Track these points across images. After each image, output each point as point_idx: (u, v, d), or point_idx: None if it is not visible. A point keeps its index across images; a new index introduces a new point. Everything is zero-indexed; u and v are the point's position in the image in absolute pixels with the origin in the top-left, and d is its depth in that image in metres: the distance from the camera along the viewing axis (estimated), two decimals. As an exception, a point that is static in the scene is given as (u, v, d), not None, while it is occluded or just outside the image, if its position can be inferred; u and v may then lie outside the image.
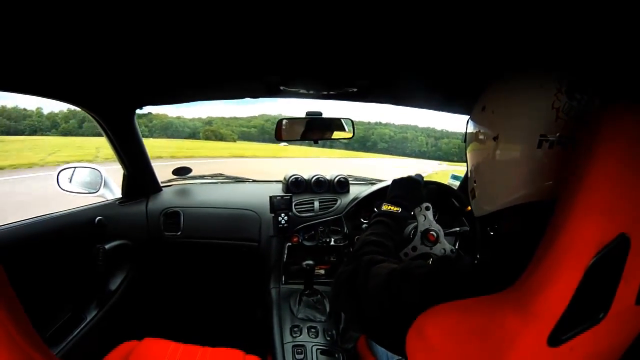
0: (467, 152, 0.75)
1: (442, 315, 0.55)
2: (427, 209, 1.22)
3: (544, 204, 0.51)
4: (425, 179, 1.22)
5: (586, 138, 0.44)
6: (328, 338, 1.31)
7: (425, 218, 1.21)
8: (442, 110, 1.57)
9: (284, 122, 1.50)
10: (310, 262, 1.41)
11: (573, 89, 0.55)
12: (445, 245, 1.20)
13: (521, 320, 0.46)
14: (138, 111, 1.54)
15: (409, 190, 1.10)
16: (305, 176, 1.79)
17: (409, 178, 1.14)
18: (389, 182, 1.62)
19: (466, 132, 0.76)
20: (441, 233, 1.21)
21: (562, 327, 0.44)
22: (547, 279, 0.44)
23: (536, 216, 0.54)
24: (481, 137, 0.68)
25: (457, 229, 1.37)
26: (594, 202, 0.42)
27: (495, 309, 0.49)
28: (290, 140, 1.51)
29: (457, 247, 1.26)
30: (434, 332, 0.55)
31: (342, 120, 1.54)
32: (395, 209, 1.01)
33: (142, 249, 1.66)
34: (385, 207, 1.02)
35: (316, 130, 1.52)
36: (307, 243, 1.62)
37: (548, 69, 0.59)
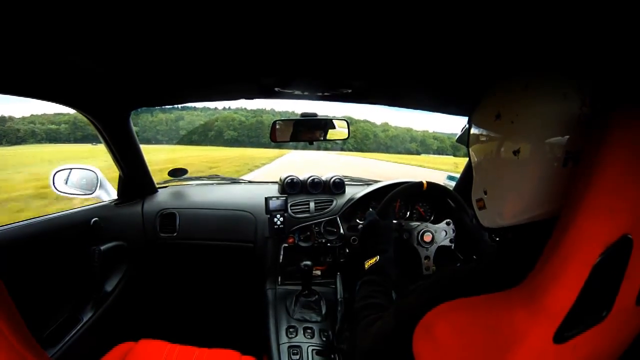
0: (474, 160, 0.71)
1: (451, 312, 0.56)
2: (401, 224, 1.24)
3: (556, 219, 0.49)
4: (373, 208, 1.26)
5: (594, 142, 0.45)
6: (324, 339, 1.31)
7: (409, 233, 1.23)
8: (438, 112, 1.57)
9: (279, 123, 1.50)
10: (308, 262, 1.41)
11: (596, 99, 0.52)
12: (442, 229, 1.24)
13: (530, 316, 0.46)
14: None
15: (372, 235, 1.13)
16: (301, 177, 1.79)
17: (366, 227, 1.17)
18: (385, 183, 1.64)
19: (469, 137, 0.72)
20: (430, 226, 1.24)
21: (567, 325, 0.45)
22: (555, 275, 0.45)
23: (545, 229, 0.52)
24: (495, 148, 0.62)
25: (449, 220, 1.38)
26: (599, 203, 0.43)
27: (504, 305, 0.50)
28: (284, 142, 1.51)
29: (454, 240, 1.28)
30: (443, 329, 0.55)
31: (335, 120, 1.55)
32: (374, 260, 1.04)
33: (138, 250, 1.66)
34: (366, 265, 1.05)
35: (310, 131, 1.53)
36: (302, 244, 1.62)
37: (568, 77, 0.55)
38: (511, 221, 0.62)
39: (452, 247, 1.31)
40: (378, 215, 1.20)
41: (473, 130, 0.70)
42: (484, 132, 0.66)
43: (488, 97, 0.66)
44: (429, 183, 1.33)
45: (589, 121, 0.51)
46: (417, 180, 1.32)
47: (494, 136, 0.63)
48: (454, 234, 1.26)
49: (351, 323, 0.93)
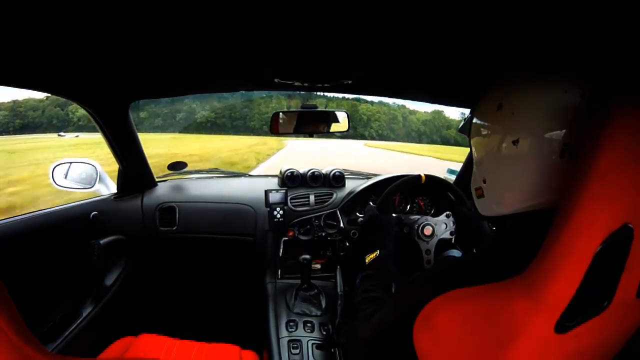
0: (474, 149, 0.73)
1: (451, 302, 0.56)
2: (401, 218, 1.24)
3: (554, 210, 0.50)
4: (373, 202, 1.29)
5: (594, 130, 0.45)
6: (324, 333, 1.31)
7: (408, 227, 1.23)
8: (439, 103, 1.56)
9: (280, 115, 1.49)
10: (307, 256, 1.41)
11: (596, 94, 0.53)
12: (442, 222, 1.25)
13: (531, 306, 0.47)
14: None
15: (373, 230, 1.14)
16: (301, 170, 1.79)
17: (367, 222, 1.19)
18: (384, 177, 1.63)
19: (470, 126, 0.74)
20: (430, 219, 1.24)
21: (569, 314, 0.45)
22: (556, 266, 0.45)
23: (543, 219, 0.53)
24: (495, 137, 0.64)
25: (449, 212, 1.38)
26: (599, 192, 0.43)
27: (504, 295, 0.51)
28: (285, 134, 1.50)
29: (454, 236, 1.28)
30: (443, 319, 0.56)
31: (336, 112, 1.54)
32: (374, 254, 1.05)
33: (137, 244, 1.65)
34: (367, 260, 1.06)
35: (311, 124, 1.52)
36: (302, 237, 1.61)
37: (570, 72, 0.57)
38: (508, 210, 0.63)
39: (452, 240, 1.30)
40: (378, 209, 1.20)
41: (475, 121, 0.71)
42: (486, 123, 0.68)
43: (492, 88, 0.67)
44: (427, 176, 1.32)
45: (586, 114, 0.52)
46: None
47: (494, 126, 0.65)
48: (454, 227, 1.26)
49: (350, 316, 0.94)
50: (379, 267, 1.01)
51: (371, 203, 1.24)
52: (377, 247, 1.05)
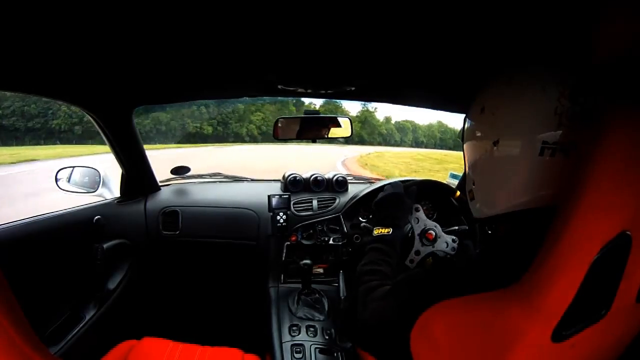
0: (465, 151, 0.74)
1: (447, 311, 0.56)
2: (417, 210, 1.23)
3: (543, 211, 0.50)
4: (403, 182, 1.24)
5: (589, 138, 0.45)
6: (327, 337, 1.31)
7: (418, 220, 1.22)
8: (440, 109, 1.57)
9: (281, 120, 1.50)
10: (308, 261, 1.41)
11: (576, 93, 0.53)
12: (446, 239, 1.22)
13: (527, 315, 0.46)
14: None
15: (393, 206, 1.11)
16: (304, 175, 1.79)
17: (390, 195, 1.14)
18: (387, 182, 1.63)
19: (463, 131, 0.75)
20: (438, 229, 1.22)
21: (565, 323, 0.44)
22: (553, 274, 0.44)
23: (533, 222, 0.53)
24: (480, 139, 0.66)
25: (456, 227, 1.37)
26: (597, 200, 0.42)
27: (500, 304, 0.50)
28: (287, 139, 1.51)
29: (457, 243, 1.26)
30: (439, 328, 0.56)
31: (339, 118, 1.55)
32: (386, 230, 1.03)
33: (140, 248, 1.66)
34: (376, 232, 1.04)
35: (313, 129, 1.53)
36: (305, 242, 1.61)
37: (549, 71, 0.57)
38: (497, 210, 0.64)
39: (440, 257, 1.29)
40: (405, 190, 1.17)
41: (466, 126, 0.74)
42: (472, 126, 0.70)
43: (479, 92, 0.69)
44: (461, 195, 1.36)
45: (570, 113, 0.53)
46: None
47: (479, 129, 0.67)
48: (452, 252, 1.24)
49: (353, 283, 0.94)
50: (389, 244, 1.00)
51: (399, 181, 1.23)
52: (391, 225, 1.03)
